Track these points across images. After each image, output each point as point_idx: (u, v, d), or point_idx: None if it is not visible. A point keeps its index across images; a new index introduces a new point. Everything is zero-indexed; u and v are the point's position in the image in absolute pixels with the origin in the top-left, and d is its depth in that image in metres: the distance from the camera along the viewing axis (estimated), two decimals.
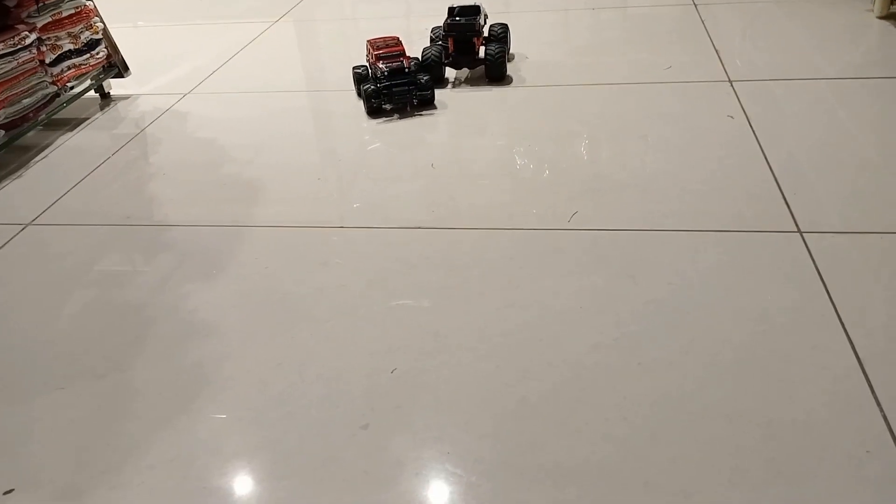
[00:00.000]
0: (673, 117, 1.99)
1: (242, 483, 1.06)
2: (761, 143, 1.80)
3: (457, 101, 2.24)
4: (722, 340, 1.22)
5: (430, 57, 2.28)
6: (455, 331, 1.30)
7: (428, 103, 2.20)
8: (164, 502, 1.03)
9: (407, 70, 2.13)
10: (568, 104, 2.15)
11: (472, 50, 2.31)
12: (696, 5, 2.87)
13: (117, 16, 3.36)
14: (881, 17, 2.55)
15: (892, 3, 2.54)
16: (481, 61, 2.32)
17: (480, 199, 1.71)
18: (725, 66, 2.26)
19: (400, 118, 2.15)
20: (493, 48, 2.28)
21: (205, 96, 2.45)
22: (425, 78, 2.16)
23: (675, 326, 1.26)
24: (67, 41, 2.20)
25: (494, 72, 2.31)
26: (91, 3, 2.31)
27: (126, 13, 3.51)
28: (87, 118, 2.34)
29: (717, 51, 2.40)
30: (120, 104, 2.44)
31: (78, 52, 2.24)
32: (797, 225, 1.48)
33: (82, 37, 2.26)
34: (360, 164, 1.92)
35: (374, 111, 2.18)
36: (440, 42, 2.35)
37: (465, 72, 2.43)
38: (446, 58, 2.32)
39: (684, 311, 1.30)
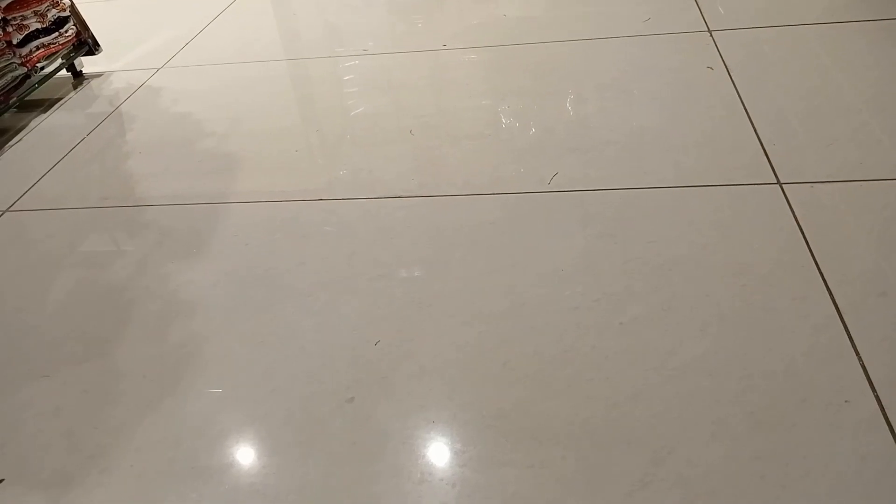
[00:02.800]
0: (652, 71, 1.97)
1: (231, 461, 1.07)
2: (741, 94, 1.78)
3: (441, 62, 2.21)
4: (702, 296, 1.23)
5: None
6: (437, 299, 1.30)
7: None
8: (153, 484, 1.04)
9: None
10: (547, 62, 2.12)
11: None
12: None
13: None
14: None
15: None
16: None
17: (463, 163, 1.69)
18: (704, 15, 2.23)
19: None
20: None
21: (178, 70, 2.41)
22: None
23: (656, 284, 1.27)
24: (34, 20, 2.15)
25: None
26: None
27: None
28: (61, 98, 2.30)
29: None
30: (93, 82, 2.40)
31: (46, 31, 2.19)
32: (777, 176, 1.48)
33: (49, 15, 2.20)
34: (341, 132, 1.90)
35: None
36: None
37: None
38: None
39: (665, 268, 1.30)
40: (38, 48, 2.17)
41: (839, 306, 1.17)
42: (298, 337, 1.27)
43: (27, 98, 2.17)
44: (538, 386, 1.11)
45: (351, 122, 1.95)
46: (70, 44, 2.32)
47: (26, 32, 2.12)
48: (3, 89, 2.04)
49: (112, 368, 1.25)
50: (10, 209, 1.75)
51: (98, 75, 2.43)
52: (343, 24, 2.62)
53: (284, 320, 1.30)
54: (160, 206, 1.68)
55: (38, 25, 2.17)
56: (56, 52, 2.25)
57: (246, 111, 2.08)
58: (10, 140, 2.08)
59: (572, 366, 1.14)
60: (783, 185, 1.45)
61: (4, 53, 2.04)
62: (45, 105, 2.26)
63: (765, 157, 1.54)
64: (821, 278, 1.23)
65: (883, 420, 1.00)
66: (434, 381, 1.15)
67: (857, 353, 1.09)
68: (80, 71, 2.43)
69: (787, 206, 1.39)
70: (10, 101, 2.08)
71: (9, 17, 2.06)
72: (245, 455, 1.07)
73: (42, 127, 2.14)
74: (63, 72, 2.35)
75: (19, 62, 2.10)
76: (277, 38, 2.62)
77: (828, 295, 1.19)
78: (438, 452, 1.04)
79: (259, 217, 1.60)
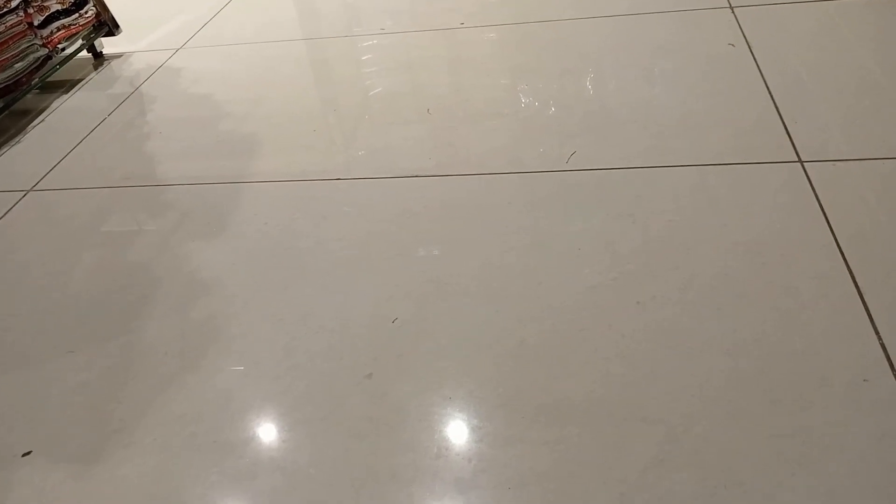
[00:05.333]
0: (673, 48, 1.95)
1: (251, 436, 1.09)
2: (763, 71, 1.76)
3: (458, 40, 2.20)
4: (721, 275, 1.22)
5: None
6: (455, 277, 1.31)
7: None
8: (176, 457, 1.06)
9: None
10: (567, 39, 2.10)
11: None
12: None
13: None
14: None
15: None
16: None
17: (480, 142, 1.69)
18: None
19: None
20: None
21: (198, 50, 2.42)
22: None
23: (674, 263, 1.26)
24: (54, 1, 2.17)
25: None
26: None
27: None
28: (82, 79, 2.32)
29: None
30: (113, 63, 2.41)
31: (66, 13, 2.21)
32: (798, 154, 1.46)
33: None
34: (359, 112, 1.90)
35: None
36: None
37: None
38: None
39: (684, 247, 1.29)
40: (58, 29, 2.18)
41: (859, 285, 1.16)
42: (317, 315, 1.28)
43: (49, 79, 2.19)
44: (554, 364, 1.12)
45: (369, 101, 1.95)
46: (90, 25, 2.33)
47: (47, 14, 2.14)
48: (25, 70, 2.06)
49: (135, 345, 1.27)
50: (34, 188, 1.77)
51: (118, 56, 2.45)
52: (361, 3, 2.61)
53: (304, 298, 1.32)
54: (181, 186, 1.70)
55: (59, 6, 2.18)
56: (76, 32, 2.27)
57: (265, 91, 2.08)
58: (33, 121, 2.10)
59: (589, 344, 1.14)
60: (804, 164, 1.43)
61: (26, 35, 2.06)
62: (67, 86, 2.28)
63: (786, 135, 1.52)
64: (841, 257, 1.22)
65: None
66: (451, 358, 1.16)
67: (877, 333, 1.08)
68: (101, 52, 2.45)
69: (809, 185, 1.38)
70: (33, 82, 2.10)
71: None
72: (265, 430, 1.09)
73: (64, 107, 2.16)
74: (84, 53, 2.36)
75: (41, 43, 2.12)
76: (296, 17, 2.61)
77: (848, 274, 1.18)
78: (455, 428, 1.05)
79: (278, 196, 1.61)
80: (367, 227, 1.47)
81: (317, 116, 1.94)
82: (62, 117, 2.11)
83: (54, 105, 2.18)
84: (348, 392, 1.13)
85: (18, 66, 2.04)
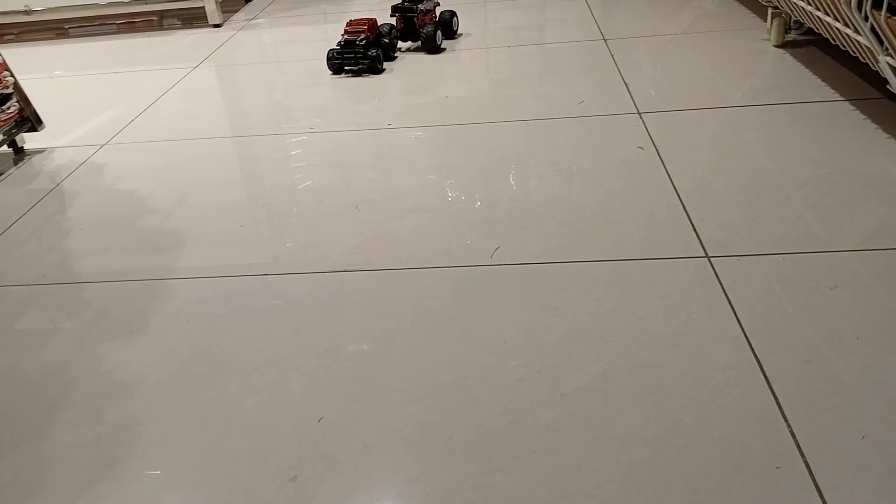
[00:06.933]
0: (588, 150, 2.07)
1: None
2: (669, 172, 1.88)
3: (386, 139, 2.28)
4: (640, 366, 1.27)
5: (384, 30, 3.05)
6: (382, 374, 1.31)
7: (374, 71, 2.87)
8: None
9: (358, 43, 2.81)
10: (488, 140, 2.20)
11: (415, 27, 3.07)
12: (605, 40, 2.99)
13: (32, 66, 3.30)
14: (777, 46, 2.71)
15: (786, 33, 2.70)
16: (420, 36, 3.08)
17: (407, 238, 1.73)
18: (634, 99, 2.37)
19: (353, 76, 2.87)
20: (429, 28, 3.03)
21: (123, 146, 2.42)
22: (373, 52, 2.82)
23: (596, 355, 1.30)
24: None
25: (427, 45, 3.07)
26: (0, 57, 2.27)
27: (42, 63, 3.43)
28: (1, 174, 2.27)
29: (626, 83, 2.50)
30: (34, 158, 2.38)
31: None
32: (705, 250, 1.56)
33: None
34: (287, 208, 1.92)
35: (335, 71, 2.90)
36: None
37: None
38: (397, 31, 3.09)
39: (604, 339, 1.34)
40: None
41: (767, 374, 1.22)
42: (241, 415, 1.25)
43: None
44: (483, 459, 1.12)
45: (297, 197, 1.98)
46: (12, 120, 2.31)
47: None
48: None
49: (45, 453, 1.21)
50: None
51: (40, 151, 2.42)
52: (291, 103, 2.68)
53: (226, 399, 1.29)
54: (100, 284, 1.66)
55: None
56: None
57: (191, 188, 2.08)
58: None
59: (517, 438, 1.15)
60: (711, 259, 1.52)
61: None
62: None
63: (693, 232, 1.62)
64: (749, 348, 1.28)
65: (812, 485, 1.03)
66: (378, 457, 1.14)
67: (786, 420, 1.14)
68: (22, 147, 2.41)
69: (716, 279, 1.46)
70: None
71: None
72: None
73: None
74: (4, 147, 2.32)
75: None
76: (224, 116, 2.65)
77: (756, 364, 1.25)
78: None
79: (202, 293, 1.59)
80: (294, 324, 1.46)
81: (244, 212, 1.95)
82: None
83: None
84: (272, 497, 1.09)
85: None
